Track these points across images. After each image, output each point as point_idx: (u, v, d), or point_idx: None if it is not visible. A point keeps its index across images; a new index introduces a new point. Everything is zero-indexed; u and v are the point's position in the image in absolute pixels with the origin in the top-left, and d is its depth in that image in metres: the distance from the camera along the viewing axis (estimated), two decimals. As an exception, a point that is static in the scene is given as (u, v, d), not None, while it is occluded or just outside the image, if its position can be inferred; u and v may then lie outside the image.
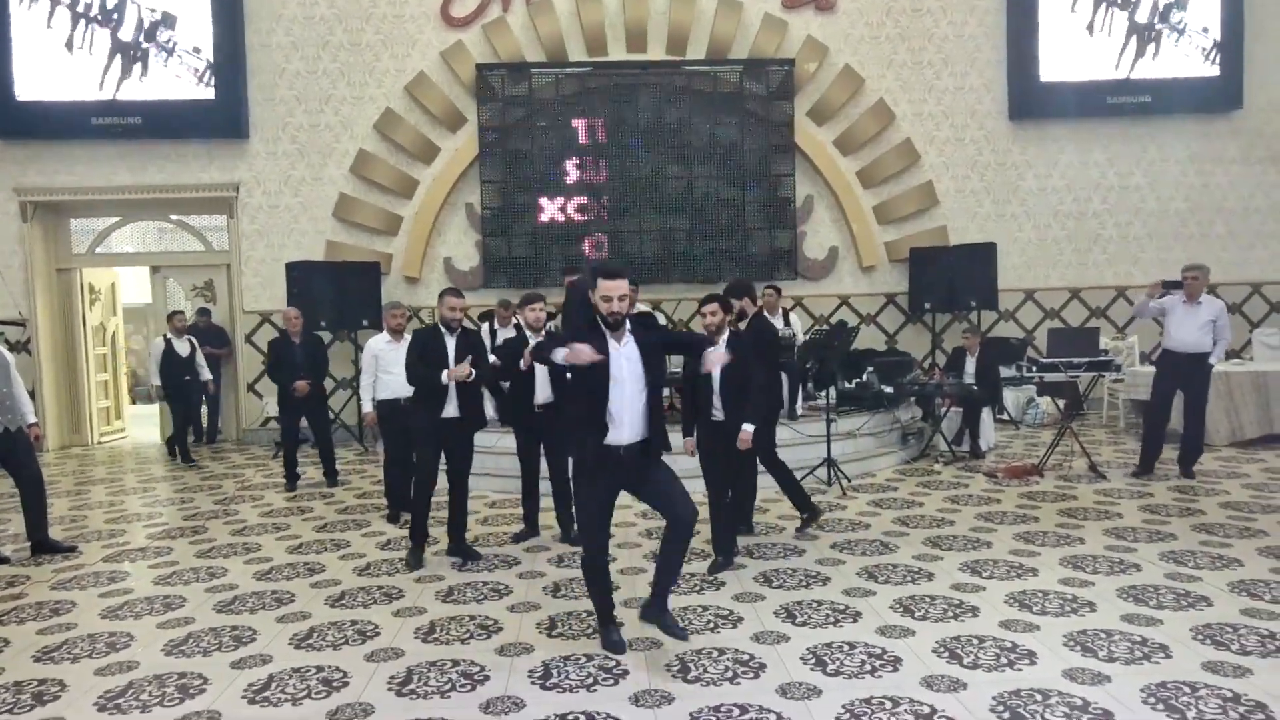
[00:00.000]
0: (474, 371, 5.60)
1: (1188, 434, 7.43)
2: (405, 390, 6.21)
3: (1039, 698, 3.56)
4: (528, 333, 6.11)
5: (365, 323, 10.15)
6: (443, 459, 5.84)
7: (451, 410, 5.69)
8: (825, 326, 9.96)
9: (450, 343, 5.70)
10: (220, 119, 10.53)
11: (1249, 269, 11.36)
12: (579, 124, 10.66)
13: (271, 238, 10.75)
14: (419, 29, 10.73)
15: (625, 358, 3.99)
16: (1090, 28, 11.05)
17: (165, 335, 9.63)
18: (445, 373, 5.59)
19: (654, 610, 4.15)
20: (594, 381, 3.92)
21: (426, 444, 5.76)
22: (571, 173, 10.68)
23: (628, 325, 4.04)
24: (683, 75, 10.76)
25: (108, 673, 4.10)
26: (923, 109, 11.06)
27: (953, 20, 11.00)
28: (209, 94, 10.47)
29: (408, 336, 6.39)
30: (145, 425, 12.37)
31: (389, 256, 10.79)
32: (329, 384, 9.13)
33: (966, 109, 11.10)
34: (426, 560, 5.72)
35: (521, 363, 5.82)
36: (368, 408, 6.78)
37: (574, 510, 4.17)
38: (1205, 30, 11.05)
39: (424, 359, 5.63)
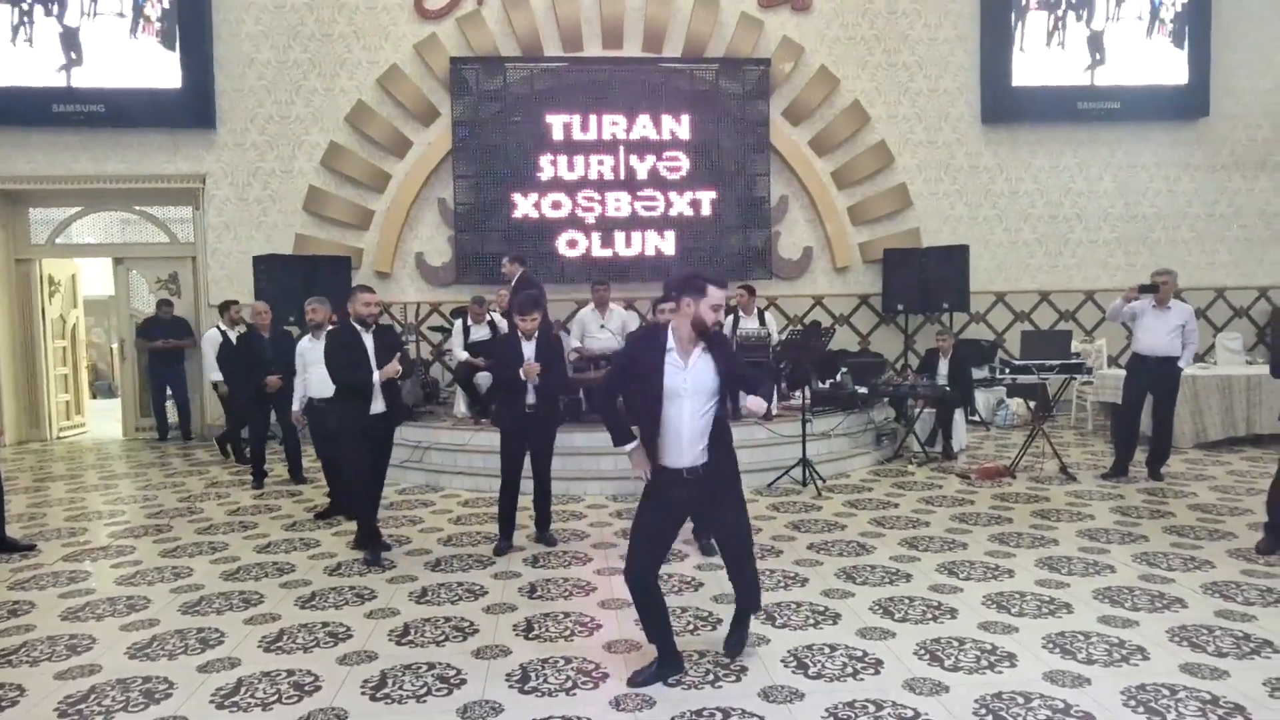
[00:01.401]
0: (400, 369, 5.66)
1: (1156, 437, 7.52)
2: (321, 390, 6.29)
3: (1021, 700, 3.55)
4: (522, 339, 5.89)
5: (335, 319, 9.95)
6: None
7: (379, 406, 5.65)
8: (800, 326, 9.96)
9: (368, 340, 5.64)
10: (187, 108, 10.29)
11: (1214, 274, 11.55)
12: (554, 119, 10.56)
13: (239, 230, 10.53)
14: (392, 20, 10.57)
15: (691, 376, 3.67)
16: (1052, 33, 11.15)
17: (219, 327, 9.01)
18: (377, 373, 5.56)
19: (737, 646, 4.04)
20: (648, 398, 3.66)
21: (355, 442, 5.65)
22: (546, 168, 10.58)
23: (704, 341, 3.73)
24: (659, 72, 10.71)
25: (69, 676, 3.96)
26: (897, 111, 11.11)
27: (928, 23, 11.05)
28: (175, 83, 10.23)
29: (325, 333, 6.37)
30: (106, 420, 12.09)
31: (360, 251, 10.62)
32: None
33: (940, 112, 11.16)
34: (395, 560, 5.63)
35: (522, 372, 5.71)
36: (296, 408, 6.77)
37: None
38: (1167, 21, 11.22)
39: (349, 358, 5.54)
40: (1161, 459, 7.54)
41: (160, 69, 10.21)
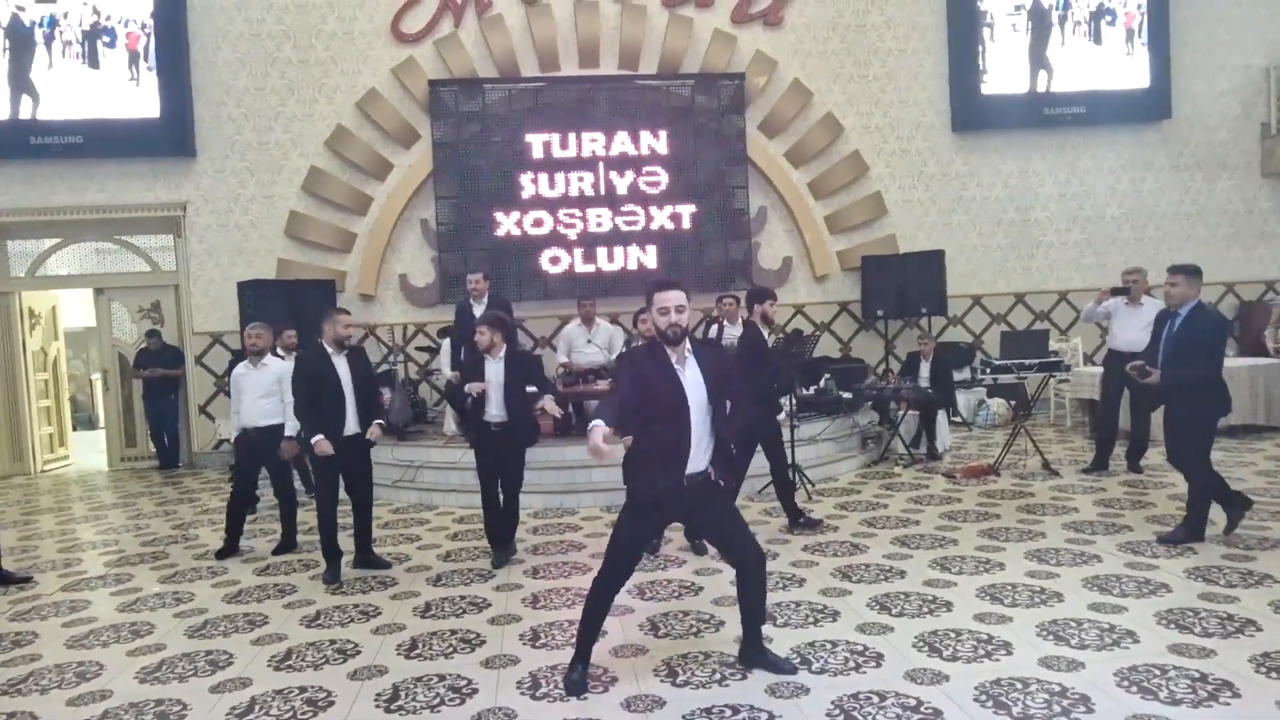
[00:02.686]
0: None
1: (1135, 430, 7.71)
2: (250, 418, 6.33)
3: (1019, 686, 3.68)
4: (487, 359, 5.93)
5: (320, 341, 10.00)
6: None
7: (352, 427, 5.69)
8: (783, 334, 10.10)
9: (339, 363, 5.67)
10: (166, 137, 10.30)
11: (1181, 272, 11.81)
12: (533, 138, 10.68)
13: (221, 257, 10.55)
14: (369, 45, 10.67)
15: (690, 381, 3.69)
16: (1015, 41, 11.44)
17: (277, 353, 8.35)
18: (466, 385, 5.84)
19: (751, 652, 3.96)
20: (663, 408, 3.63)
21: (326, 463, 5.68)
22: (527, 187, 10.69)
23: (688, 344, 3.74)
24: (635, 90, 10.87)
25: (81, 703, 3.99)
26: (870, 122, 11.33)
27: (896, 35, 11.30)
28: (153, 112, 10.25)
29: (267, 361, 6.42)
30: (89, 451, 12.02)
31: (343, 274, 10.66)
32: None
33: (912, 121, 11.39)
34: (396, 577, 5.67)
35: (468, 388, 5.76)
36: (231, 436, 6.60)
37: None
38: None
39: (324, 383, 5.58)
40: (1140, 452, 7.73)
41: (138, 99, 10.23)
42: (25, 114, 10.10)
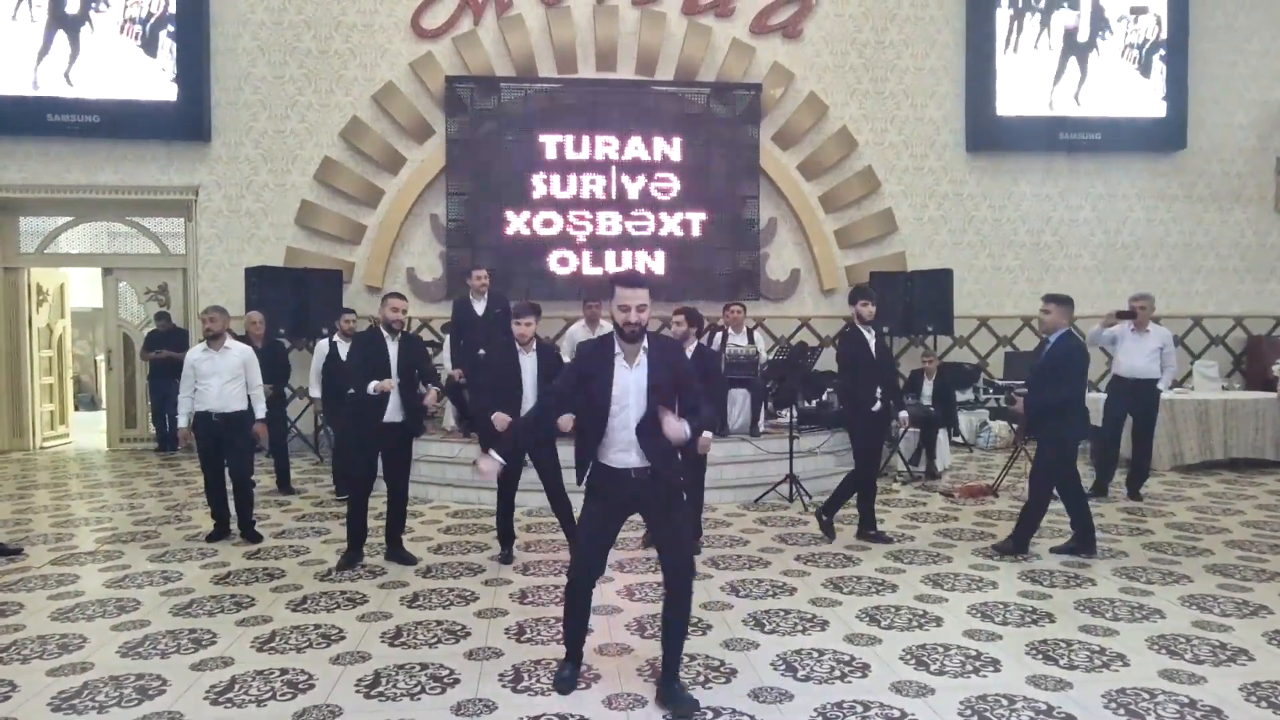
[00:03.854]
0: (398, 382, 5.63)
1: (1136, 458, 7.66)
2: (219, 403, 6.21)
3: (1005, 703, 3.63)
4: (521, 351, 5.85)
5: (325, 330, 10.00)
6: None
7: (394, 415, 5.67)
8: (788, 346, 10.08)
9: (392, 347, 5.69)
10: (182, 121, 10.36)
11: (1190, 302, 11.78)
12: (547, 139, 10.70)
13: (230, 242, 10.58)
14: (388, 39, 10.71)
15: (633, 380, 3.65)
16: (1035, 61, 11.43)
17: (331, 339, 8.09)
18: (372, 384, 5.59)
19: (663, 689, 3.66)
20: (592, 402, 3.67)
21: (363, 448, 5.70)
22: (538, 187, 10.70)
23: (645, 343, 3.67)
24: (651, 95, 10.89)
25: (61, 674, 3.97)
26: (884, 138, 11.33)
27: (914, 53, 11.30)
28: (170, 95, 10.31)
29: (229, 345, 6.33)
30: (89, 432, 12.04)
31: (351, 265, 10.68)
32: (286, 392, 8.97)
33: (926, 139, 11.39)
34: (386, 567, 5.65)
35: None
36: (183, 423, 6.32)
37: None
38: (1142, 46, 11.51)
39: (366, 363, 5.61)
40: (1140, 479, 7.68)
41: (156, 81, 10.28)
42: (70, 89, 10.15)
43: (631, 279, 3.70)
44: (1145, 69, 11.51)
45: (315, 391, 8.20)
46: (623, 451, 3.64)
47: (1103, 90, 11.47)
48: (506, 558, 5.82)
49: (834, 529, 6.41)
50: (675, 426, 3.49)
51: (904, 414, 6.58)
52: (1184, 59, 11.48)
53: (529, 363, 5.71)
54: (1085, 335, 7.78)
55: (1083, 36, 11.47)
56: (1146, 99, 11.49)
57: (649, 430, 3.59)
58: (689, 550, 3.85)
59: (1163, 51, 11.48)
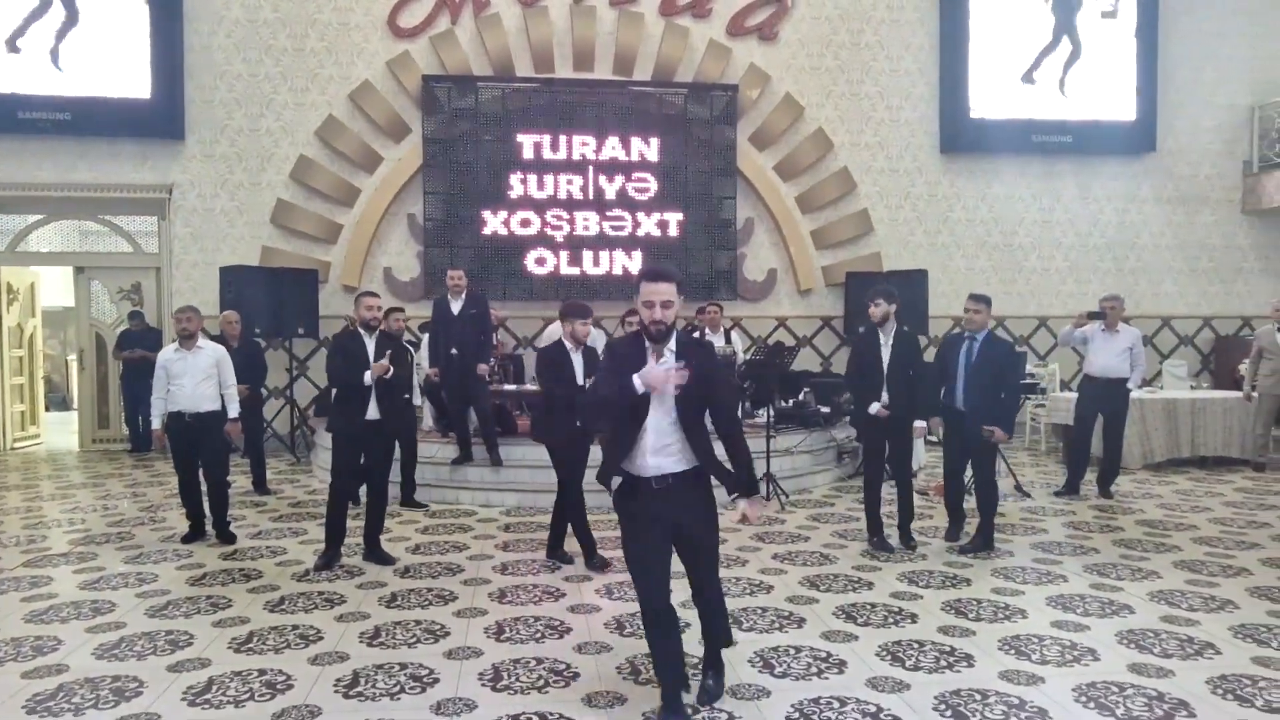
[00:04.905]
0: (391, 368, 5.59)
1: (1106, 456, 7.79)
2: (191, 403, 6.15)
3: (978, 697, 3.70)
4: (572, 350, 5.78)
5: (301, 330, 9.98)
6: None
7: (373, 413, 5.66)
8: (765, 346, 10.14)
9: (370, 345, 5.69)
10: (155, 119, 10.25)
11: (1160, 303, 11.97)
12: (524, 139, 10.70)
13: (205, 241, 10.49)
14: (365, 37, 10.66)
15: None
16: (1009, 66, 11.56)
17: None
18: (368, 372, 5.57)
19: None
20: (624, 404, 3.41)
21: (347, 448, 5.69)
22: (515, 187, 10.70)
23: (672, 342, 3.43)
24: (628, 95, 10.91)
25: (35, 676, 3.94)
26: (860, 139, 11.42)
27: (890, 55, 11.40)
28: (144, 93, 10.20)
29: (201, 344, 6.27)
30: (60, 432, 11.89)
31: (327, 265, 10.62)
32: (262, 392, 8.89)
33: (901, 141, 11.49)
34: (364, 567, 5.64)
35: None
36: (156, 423, 6.24)
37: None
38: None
39: (345, 362, 5.62)
40: (1111, 477, 7.80)
41: (129, 79, 10.17)
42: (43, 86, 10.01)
43: (656, 273, 3.42)
44: (1115, 75, 11.67)
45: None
46: (651, 456, 3.40)
47: (1072, 95, 11.61)
48: (599, 564, 5.63)
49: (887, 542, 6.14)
50: (657, 374, 3.29)
51: (918, 424, 6.07)
52: (1153, 64, 11.66)
53: (578, 361, 5.72)
54: (1058, 336, 7.92)
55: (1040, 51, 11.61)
56: (1117, 103, 11.65)
57: (672, 436, 3.41)
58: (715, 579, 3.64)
59: (1128, 57, 11.64)
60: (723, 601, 3.77)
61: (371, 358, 5.65)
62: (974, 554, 5.91)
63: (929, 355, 6.96)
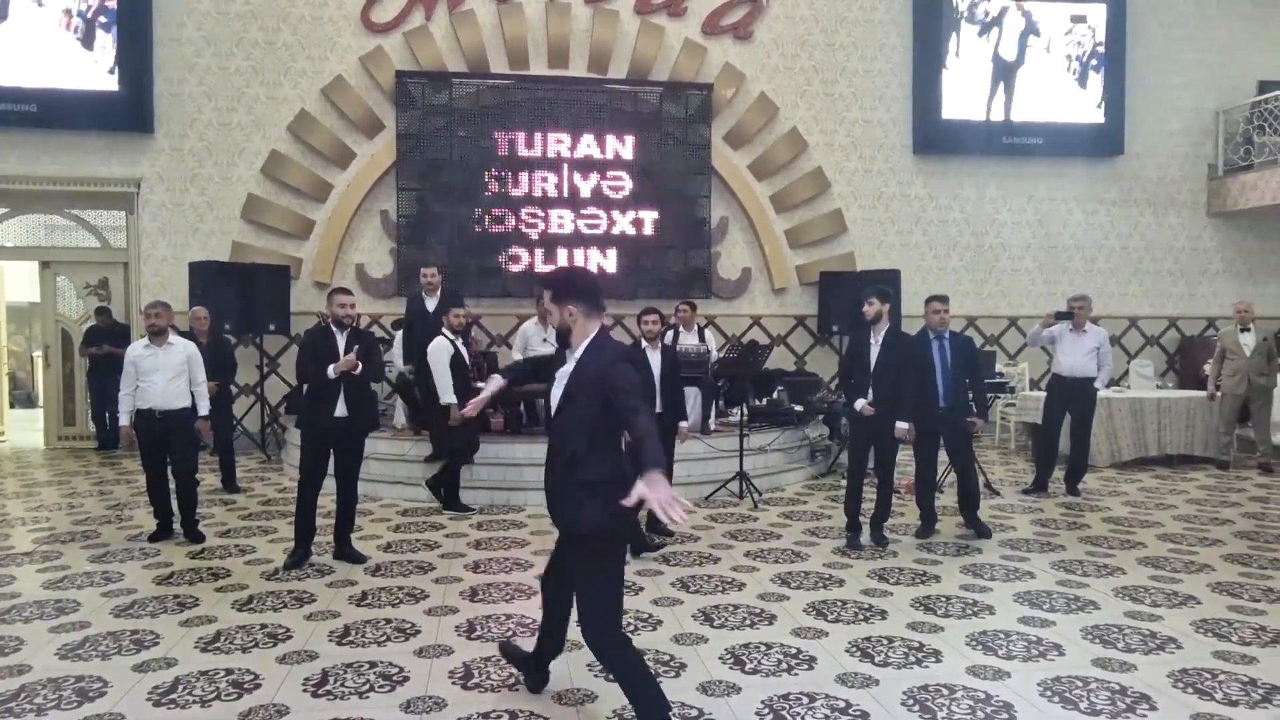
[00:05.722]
0: (360, 363, 5.55)
1: (1074, 454, 7.89)
2: (162, 401, 6.08)
3: (945, 692, 3.74)
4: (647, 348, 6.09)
5: (272, 327, 9.87)
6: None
7: (341, 409, 5.61)
8: (739, 345, 10.17)
9: (340, 341, 5.64)
10: (123, 112, 10.10)
11: (1127, 303, 12.14)
12: (499, 136, 10.66)
13: (174, 236, 10.35)
14: (338, 31, 10.57)
15: (556, 386, 3.24)
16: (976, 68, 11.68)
17: (445, 334, 7.23)
18: (331, 366, 5.52)
19: None
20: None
21: (315, 444, 5.66)
22: (490, 184, 10.66)
23: (579, 349, 3.19)
24: (603, 93, 10.90)
25: (-4, 677, 3.88)
26: (833, 139, 11.48)
27: (864, 56, 11.47)
28: (112, 85, 10.05)
29: (172, 341, 6.22)
30: (25, 430, 11.70)
31: (299, 261, 10.52)
32: (232, 389, 8.80)
33: (874, 142, 11.57)
34: (334, 565, 5.60)
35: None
36: (124, 420, 6.14)
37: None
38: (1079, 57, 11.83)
39: (316, 358, 5.57)
40: (1079, 475, 7.91)
41: (96, 71, 10.02)
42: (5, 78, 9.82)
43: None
44: (1083, 79, 11.82)
45: (450, 396, 7.03)
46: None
47: (1042, 98, 11.74)
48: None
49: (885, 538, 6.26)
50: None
51: (900, 425, 5.95)
52: (1121, 68, 11.82)
53: (655, 359, 5.77)
54: (1027, 336, 8.01)
55: (1009, 55, 11.72)
56: (1085, 106, 11.80)
57: (563, 450, 3.23)
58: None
59: (1096, 61, 11.80)
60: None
61: (342, 355, 5.61)
62: (979, 536, 6.35)
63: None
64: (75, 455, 10.07)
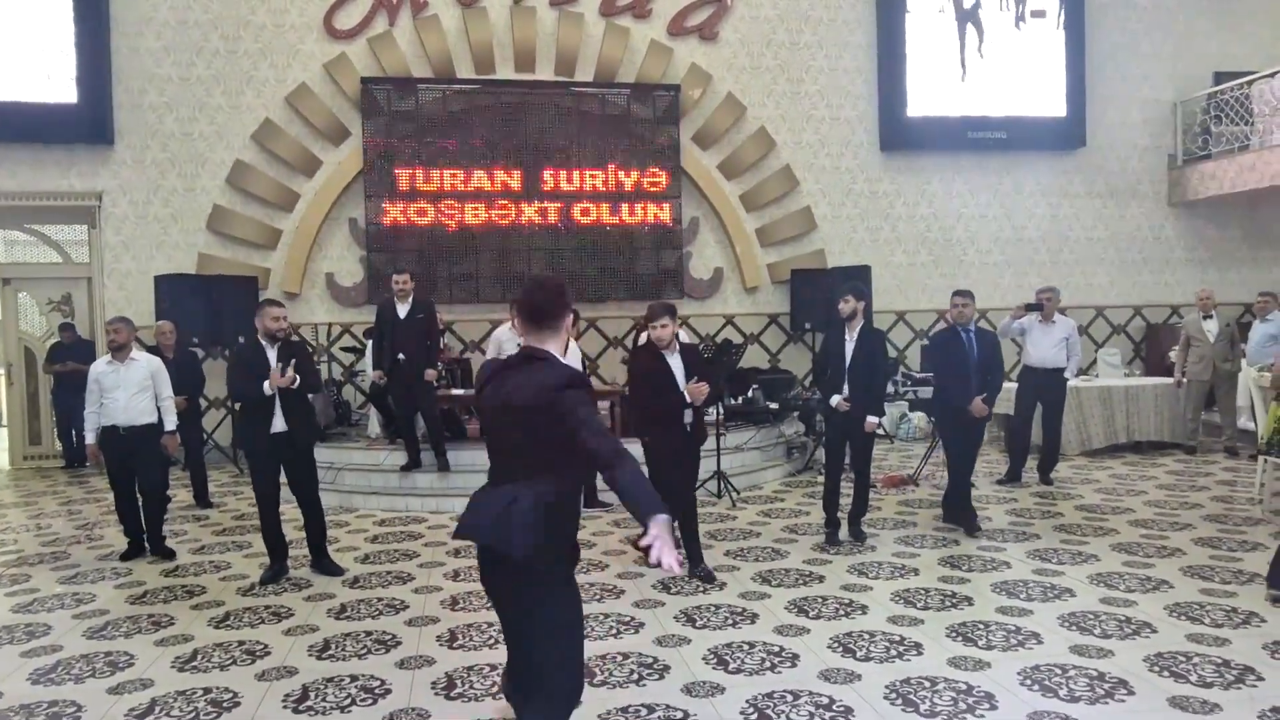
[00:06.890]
0: (297, 377, 5.43)
1: (1046, 444, 7.99)
2: (126, 417, 6.01)
3: (928, 684, 3.77)
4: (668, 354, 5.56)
5: (241, 339, 9.71)
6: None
7: (279, 425, 5.48)
8: (712, 344, 10.19)
9: (272, 355, 5.48)
10: (82, 124, 9.93)
11: (1093, 294, 12.31)
12: (467, 140, 10.60)
13: (138, 250, 10.20)
14: (300, 39, 10.47)
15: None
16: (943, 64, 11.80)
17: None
18: (266, 382, 5.38)
19: None
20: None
21: (260, 462, 5.54)
22: (459, 189, 10.59)
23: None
24: (571, 96, 10.88)
25: (-34, 705, 3.80)
26: (801, 138, 11.54)
27: (828, 54, 11.55)
28: (70, 97, 9.88)
29: (135, 356, 6.13)
30: (-11, 450, 11.46)
31: (267, 271, 10.41)
32: (201, 403, 8.69)
33: (841, 139, 11.64)
34: (312, 579, 5.54)
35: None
36: (90, 439, 6.08)
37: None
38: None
39: (248, 375, 5.43)
40: (1051, 464, 8.01)
41: (54, 83, 9.84)
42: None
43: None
44: (1047, 71, 11.97)
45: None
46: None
47: (1003, 90, 11.87)
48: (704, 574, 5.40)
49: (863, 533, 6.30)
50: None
51: (870, 419, 6.08)
52: (1081, 61, 11.98)
53: (675, 363, 5.54)
54: (997, 328, 8.10)
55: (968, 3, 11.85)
56: (1048, 99, 11.95)
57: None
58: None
59: (1063, 44, 11.96)
60: None
61: (275, 370, 5.46)
62: (974, 533, 6.25)
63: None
64: (42, 475, 9.89)
